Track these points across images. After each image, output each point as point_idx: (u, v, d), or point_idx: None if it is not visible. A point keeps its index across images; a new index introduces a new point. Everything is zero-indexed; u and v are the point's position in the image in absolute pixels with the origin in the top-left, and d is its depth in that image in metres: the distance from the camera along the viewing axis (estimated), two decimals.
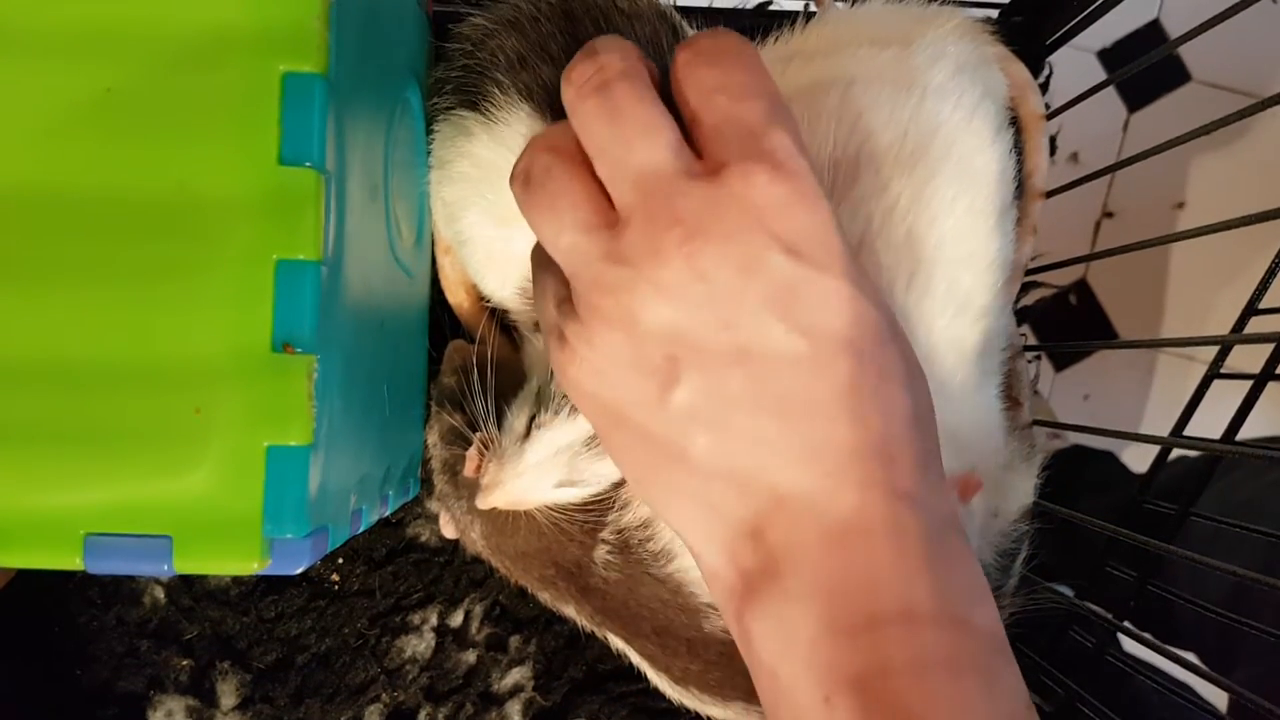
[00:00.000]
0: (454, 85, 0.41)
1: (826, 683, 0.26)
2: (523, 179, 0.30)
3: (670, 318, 0.26)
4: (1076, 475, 1.01)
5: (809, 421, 0.27)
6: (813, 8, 0.46)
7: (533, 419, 0.38)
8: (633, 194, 0.27)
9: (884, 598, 0.26)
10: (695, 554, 0.29)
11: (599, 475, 0.38)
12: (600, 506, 0.39)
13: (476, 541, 0.43)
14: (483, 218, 0.41)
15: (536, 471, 0.37)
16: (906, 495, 0.27)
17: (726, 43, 0.28)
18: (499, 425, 0.39)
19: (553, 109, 0.38)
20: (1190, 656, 0.57)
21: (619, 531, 0.39)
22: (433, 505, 0.48)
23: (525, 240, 0.33)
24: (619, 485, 0.39)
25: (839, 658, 0.26)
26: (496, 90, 0.39)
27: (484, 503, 0.38)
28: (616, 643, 0.43)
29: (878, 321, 0.27)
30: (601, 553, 0.40)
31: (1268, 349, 0.37)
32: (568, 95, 0.29)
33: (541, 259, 0.31)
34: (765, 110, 0.27)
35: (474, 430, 0.40)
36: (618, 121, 0.27)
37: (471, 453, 0.39)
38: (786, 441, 0.27)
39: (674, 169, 0.27)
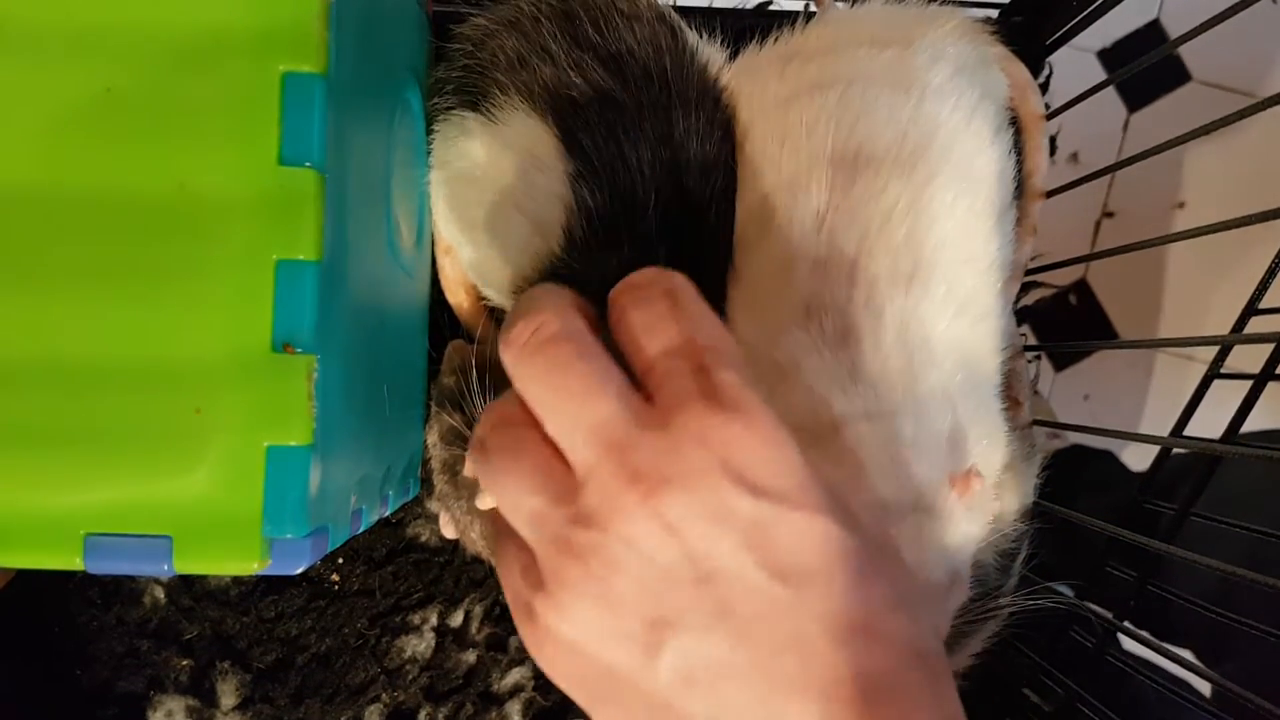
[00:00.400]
0: (454, 85, 0.41)
1: None
2: (479, 449, 0.29)
3: (644, 578, 0.25)
4: (1076, 475, 1.01)
5: (804, 671, 0.25)
6: (813, 8, 0.46)
7: None
8: (587, 452, 0.26)
9: None
10: None
11: None
12: None
13: (476, 542, 0.43)
14: (483, 219, 0.41)
15: None
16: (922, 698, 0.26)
17: (661, 283, 0.28)
18: None
19: (552, 110, 0.38)
20: (1186, 653, 0.57)
21: None
22: (433, 505, 0.48)
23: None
24: None
25: None
26: (497, 90, 0.39)
27: (484, 504, 0.38)
28: None
29: (857, 549, 0.26)
30: None
31: (1268, 349, 0.37)
32: (507, 359, 0.28)
33: (504, 528, 0.29)
34: (708, 348, 0.27)
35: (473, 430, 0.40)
36: (561, 382, 0.27)
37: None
38: (789, 688, 0.25)
39: (625, 421, 0.26)
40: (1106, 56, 1.17)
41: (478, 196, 0.40)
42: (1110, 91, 1.16)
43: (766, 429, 0.26)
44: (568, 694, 0.28)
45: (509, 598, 0.29)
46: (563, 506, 0.26)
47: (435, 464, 0.44)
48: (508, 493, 0.28)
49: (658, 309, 0.28)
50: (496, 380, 0.40)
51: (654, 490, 0.25)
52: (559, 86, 0.38)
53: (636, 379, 0.27)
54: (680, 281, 0.29)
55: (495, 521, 0.30)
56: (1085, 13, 0.45)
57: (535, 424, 0.27)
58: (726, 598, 0.25)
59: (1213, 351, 0.40)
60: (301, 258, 0.27)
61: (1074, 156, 1.13)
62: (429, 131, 0.42)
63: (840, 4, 0.44)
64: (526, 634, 0.28)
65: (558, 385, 0.27)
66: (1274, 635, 0.40)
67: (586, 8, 0.39)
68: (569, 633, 0.26)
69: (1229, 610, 0.40)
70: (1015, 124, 0.44)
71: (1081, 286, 1.19)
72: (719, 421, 0.25)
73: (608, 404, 0.26)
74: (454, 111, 0.41)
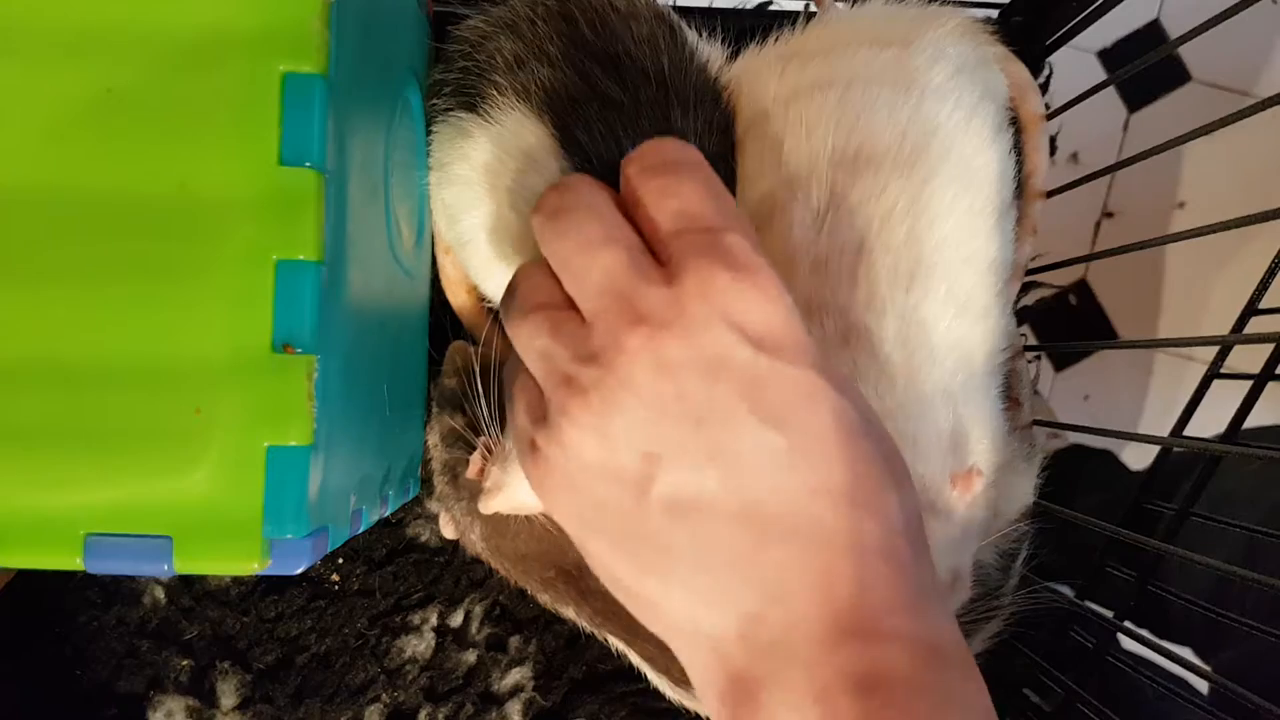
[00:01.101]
0: (453, 87, 0.41)
1: None
2: (505, 302, 0.31)
3: (641, 415, 0.26)
4: (1076, 475, 1.01)
5: (792, 514, 0.26)
6: (813, 8, 0.46)
7: None
8: (597, 299, 0.28)
9: (892, 695, 0.25)
10: (685, 662, 0.29)
11: None
12: None
13: (476, 543, 0.43)
14: (483, 219, 0.41)
15: None
16: (907, 589, 0.26)
17: (671, 152, 0.30)
18: (501, 429, 0.39)
19: (550, 111, 0.38)
20: (1186, 651, 0.57)
21: None
22: (433, 506, 0.48)
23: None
24: None
25: None
26: (495, 92, 0.39)
27: (486, 507, 0.38)
28: (617, 644, 0.43)
29: (849, 411, 0.27)
30: None
31: (1268, 349, 0.37)
32: (535, 224, 0.30)
33: (515, 375, 0.31)
34: (717, 212, 0.28)
35: (475, 432, 0.40)
36: (577, 237, 0.29)
37: (475, 456, 0.39)
38: (770, 536, 0.26)
39: (635, 273, 0.27)
40: (1106, 56, 1.17)
41: (477, 198, 0.40)
42: (1110, 91, 1.16)
43: (772, 290, 0.27)
44: (564, 527, 0.30)
45: (515, 443, 0.31)
46: (570, 346, 0.28)
47: (435, 464, 0.44)
48: (523, 336, 0.30)
49: (667, 177, 0.29)
50: (498, 382, 0.40)
51: (656, 333, 0.26)
52: (557, 88, 0.38)
53: (649, 245, 0.29)
54: (689, 151, 0.30)
55: (508, 374, 0.33)
56: (1085, 13, 0.45)
57: (556, 282, 0.30)
58: (719, 439, 0.26)
59: (1212, 351, 0.40)
60: (302, 258, 0.27)
61: (1074, 156, 1.13)
62: (428, 132, 0.42)
63: (840, 4, 0.44)
64: (529, 469, 0.30)
65: (574, 240, 0.29)
66: (1271, 634, 0.40)
67: (584, 9, 0.39)
68: (568, 464, 0.28)
69: (1225, 598, 0.41)
70: (1015, 124, 0.44)
71: (1082, 286, 1.19)
72: (724, 278, 0.27)
73: (618, 256, 0.28)
74: (453, 113, 0.41)
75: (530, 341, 0.29)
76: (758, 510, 0.26)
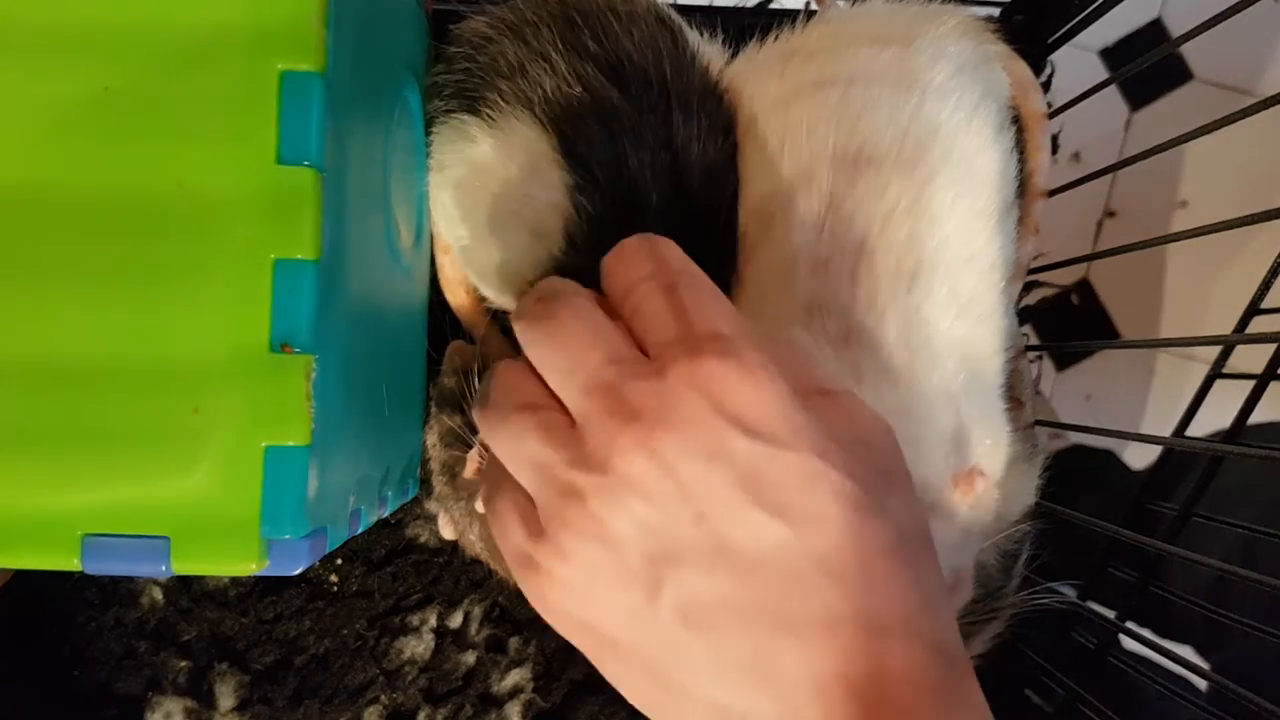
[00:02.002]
0: (455, 89, 0.41)
1: None
2: (482, 402, 0.30)
3: (644, 516, 0.26)
4: (1077, 475, 1.01)
5: (806, 608, 0.26)
6: (813, 6, 0.45)
7: None
8: (586, 400, 0.27)
9: None
10: None
11: None
12: None
13: (475, 543, 0.43)
14: (483, 221, 0.40)
15: None
16: (928, 649, 0.26)
17: (646, 246, 0.29)
18: None
19: (552, 119, 0.38)
20: (1187, 649, 0.57)
21: None
22: (431, 506, 0.47)
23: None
24: None
25: None
26: (497, 97, 0.39)
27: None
28: None
29: (853, 491, 0.26)
30: None
31: (1270, 349, 0.37)
32: (518, 327, 0.30)
33: (498, 483, 0.30)
34: (697, 297, 0.28)
35: (474, 433, 0.40)
36: (562, 339, 0.28)
37: (473, 455, 0.39)
38: (788, 629, 0.26)
39: (621, 370, 0.27)
40: (1108, 55, 1.17)
41: (477, 200, 0.40)
42: (1112, 90, 1.16)
43: (761, 373, 0.27)
44: (573, 643, 0.29)
45: (508, 557, 0.29)
46: (562, 451, 0.27)
47: (435, 465, 0.44)
48: (508, 441, 0.28)
49: (645, 269, 0.29)
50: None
51: (650, 430, 0.26)
52: (559, 95, 0.38)
53: (638, 343, 0.28)
54: (665, 244, 0.29)
55: (489, 481, 0.31)
56: (1087, 11, 0.45)
57: (540, 383, 0.29)
58: (725, 535, 0.26)
59: (1214, 351, 0.40)
60: (300, 257, 0.27)
61: (1076, 155, 1.13)
62: (429, 133, 0.42)
63: (841, 2, 0.44)
64: (529, 586, 0.28)
65: (558, 342, 0.28)
66: (1271, 634, 0.40)
67: (585, 15, 0.39)
68: (571, 576, 0.27)
69: (1226, 594, 0.41)
70: (1017, 123, 0.44)
71: (1083, 286, 1.19)
72: (711, 366, 0.26)
73: (604, 354, 0.27)
74: (454, 115, 0.41)
75: (517, 447, 0.28)
76: (771, 605, 0.26)
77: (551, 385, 0.28)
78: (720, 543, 0.26)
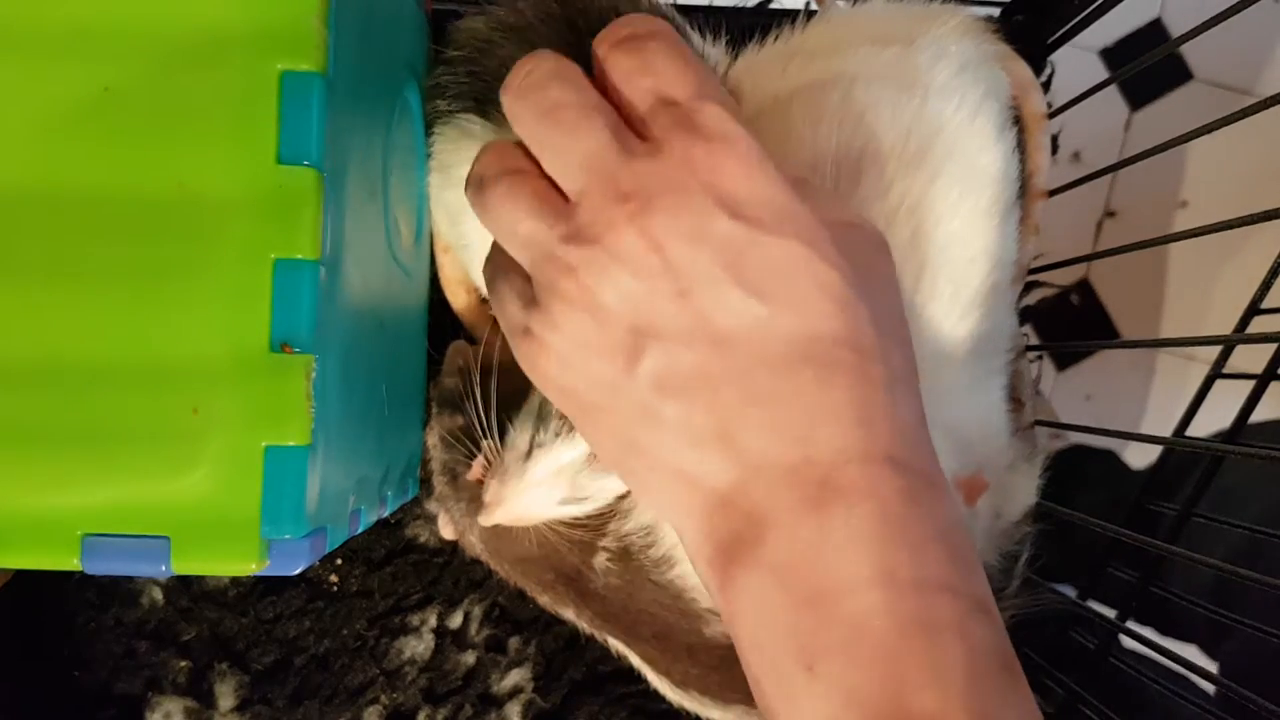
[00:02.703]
0: (458, 90, 0.41)
1: (809, 651, 0.25)
2: (476, 183, 0.30)
3: (629, 289, 0.27)
4: (1077, 474, 1.01)
5: (773, 386, 0.27)
6: (814, 6, 0.45)
7: (534, 438, 0.37)
8: (581, 178, 0.28)
9: (863, 563, 0.25)
10: (679, 534, 0.29)
11: (602, 491, 0.38)
12: (601, 516, 0.39)
13: (475, 544, 0.43)
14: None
15: (539, 490, 0.37)
16: (884, 458, 0.27)
17: (641, 27, 0.29)
18: (501, 436, 0.39)
19: None
20: (1191, 648, 0.57)
21: (620, 539, 0.39)
22: (431, 506, 0.47)
23: None
24: (622, 497, 0.39)
25: (820, 626, 0.25)
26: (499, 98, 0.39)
27: (487, 520, 0.38)
28: (617, 645, 0.42)
29: (836, 281, 0.27)
30: (601, 559, 0.40)
31: (1270, 349, 0.37)
32: (506, 101, 0.30)
33: (499, 264, 0.31)
34: (692, 84, 0.28)
35: (474, 433, 0.40)
36: (556, 114, 0.28)
37: (477, 462, 0.39)
38: (753, 407, 0.27)
39: (616, 150, 0.28)
40: (1108, 55, 1.17)
41: None
42: (1112, 90, 1.16)
43: (751, 159, 0.27)
44: (559, 407, 0.30)
45: (506, 329, 0.31)
46: (557, 226, 0.28)
47: (435, 465, 0.44)
48: (504, 220, 0.29)
49: (639, 53, 0.29)
50: (499, 384, 0.40)
51: (641, 208, 0.27)
52: None
53: (627, 123, 0.29)
54: (658, 25, 0.29)
55: (490, 264, 0.32)
56: (1087, 11, 0.45)
57: (532, 159, 0.29)
58: (704, 311, 0.27)
59: (1215, 351, 0.40)
60: (300, 257, 0.27)
61: (1076, 155, 1.13)
62: (430, 133, 0.42)
63: (841, 2, 0.44)
64: (522, 353, 0.30)
65: (552, 119, 0.28)
66: (1274, 635, 0.40)
67: (587, 16, 0.39)
68: (560, 344, 0.28)
69: (1228, 591, 0.40)
70: (1017, 123, 0.44)
71: (1083, 286, 1.18)
72: (705, 149, 0.27)
73: (599, 134, 0.28)
74: (458, 115, 0.41)
75: (513, 227, 0.29)
76: (743, 380, 0.27)
77: (543, 161, 0.29)
78: (699, 318, 0.27)
